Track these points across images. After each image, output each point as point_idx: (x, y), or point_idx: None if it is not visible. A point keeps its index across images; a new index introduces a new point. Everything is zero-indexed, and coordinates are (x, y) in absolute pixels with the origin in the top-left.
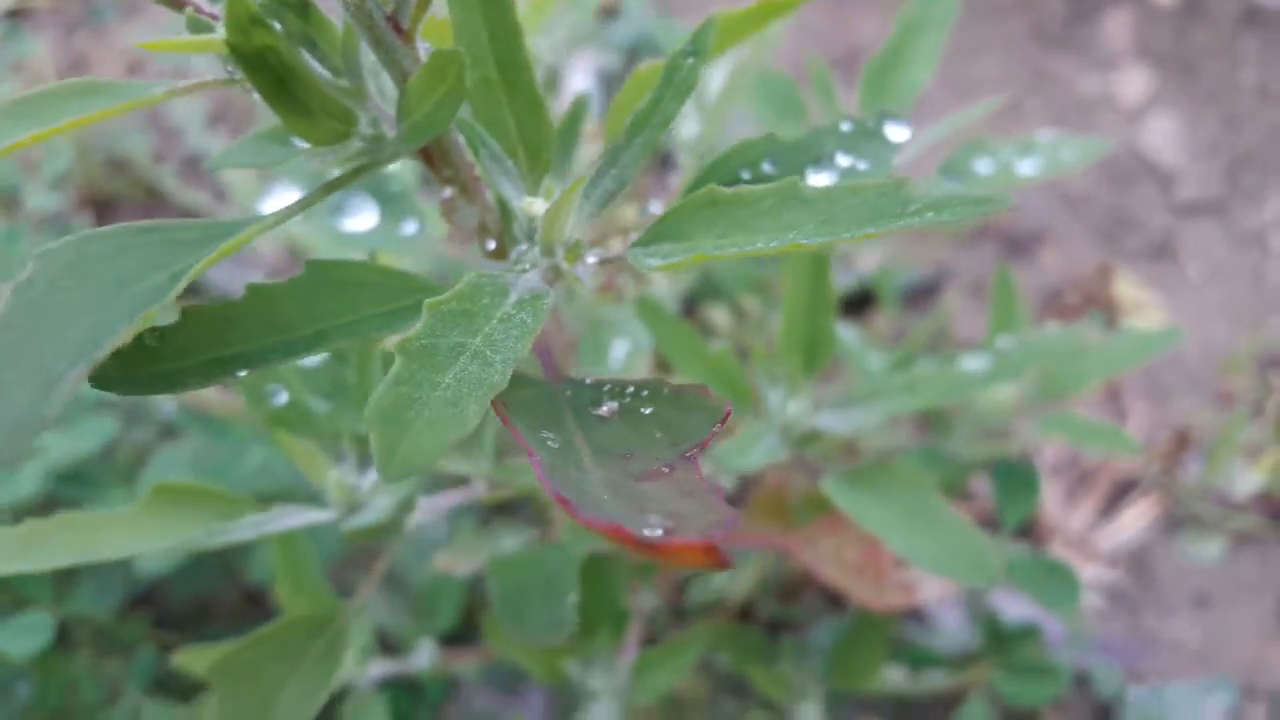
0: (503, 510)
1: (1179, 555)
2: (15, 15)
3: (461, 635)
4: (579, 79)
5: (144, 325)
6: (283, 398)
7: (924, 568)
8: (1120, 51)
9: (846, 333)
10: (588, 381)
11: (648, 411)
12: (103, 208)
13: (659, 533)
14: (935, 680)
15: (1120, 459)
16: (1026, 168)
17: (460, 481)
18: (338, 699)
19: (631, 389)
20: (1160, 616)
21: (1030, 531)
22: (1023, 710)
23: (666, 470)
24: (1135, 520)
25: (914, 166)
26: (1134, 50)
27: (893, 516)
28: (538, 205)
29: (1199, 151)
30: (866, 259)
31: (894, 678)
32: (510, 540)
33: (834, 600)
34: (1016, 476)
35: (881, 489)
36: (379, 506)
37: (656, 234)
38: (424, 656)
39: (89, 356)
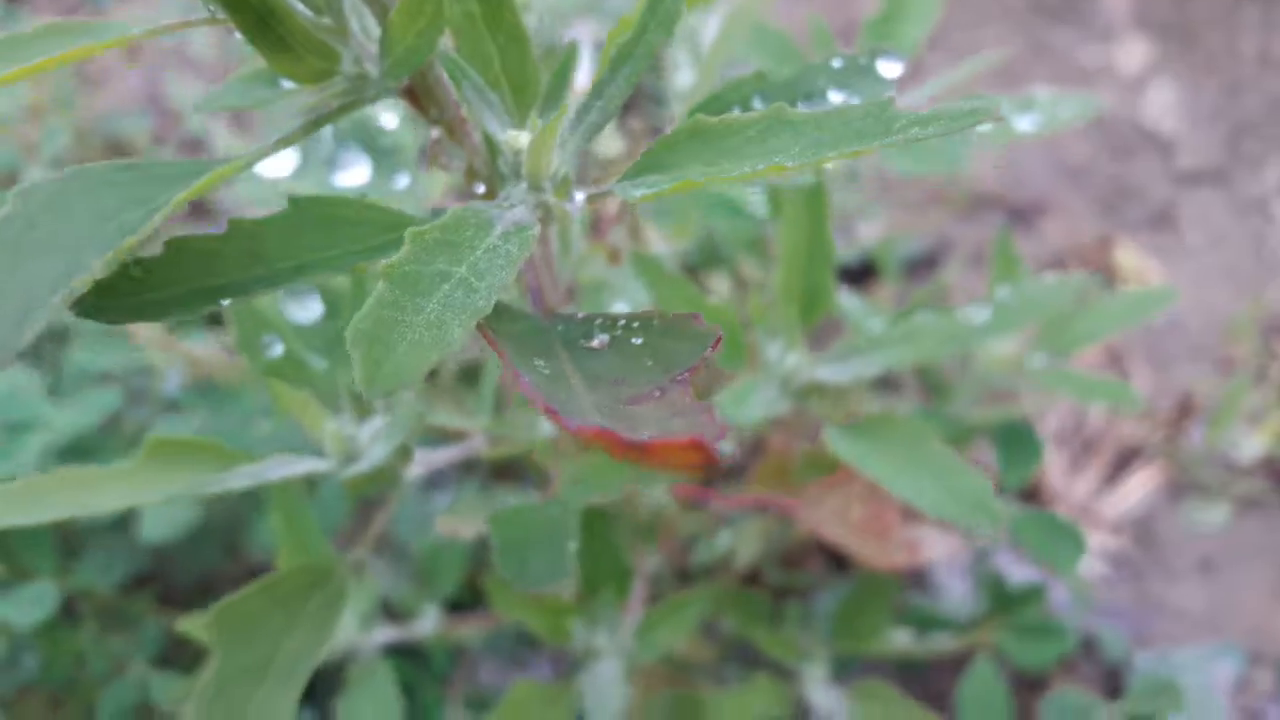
0: (504, 475)
1: (1184, 522)
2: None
3: (466, 603)
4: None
5: (124, 257)
6: (278, 349)
7: (927, 511)
8: (1119, 22)
9: (848, 299)
10: (579, 316)
11: (638, 342)
12: None
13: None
14: (941, 642)
15: (1124, 426)
16: (1025, 124)
17: (459, 437)
18: (342, 663)
19: (623, 321)
20: (1166, 583)
21: (1033, 499)
22: (1031, 674)
23: (658, 394)
24: (1139, 487)
25: None
26: (1133, 20)
27: (895, 463)
28: (522, 138)
29: (1199, 120)
30: (868, 230)
31: (900, 640)
32: (513, 502)
33: (839, 566)
34: (1018, 438)
35: (883, 438)
36: (376, 455)
37: (644, 166)
38: (428, 623)
39: (65, 288)
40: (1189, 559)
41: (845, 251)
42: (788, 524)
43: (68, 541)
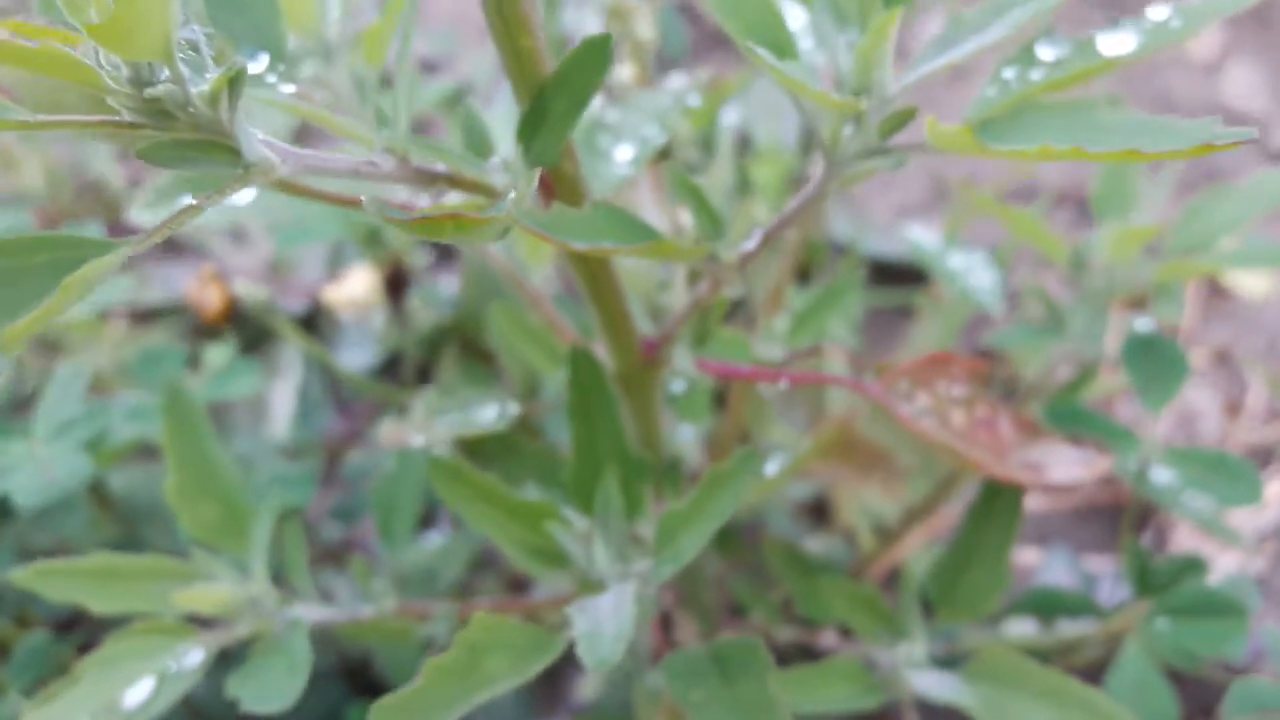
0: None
1: None
2: None
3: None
4: None
5: None
6: None
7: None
8: None
9: None
10: None
11: None
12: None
13: None
14: (1075, 631)
15: (1246, 430)
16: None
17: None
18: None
19: None
20: None
21: (1148, 519)
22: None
23: None
24: (1276, 497)
25: None
26: None
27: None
28: None
29: None
30: (922, 231)
31: (1018, 630)
32: (487, 411)
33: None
34: (1155, 351)
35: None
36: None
37: None
38: (380, 605)
39: None
40: None
41: (895, 249)
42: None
43: None
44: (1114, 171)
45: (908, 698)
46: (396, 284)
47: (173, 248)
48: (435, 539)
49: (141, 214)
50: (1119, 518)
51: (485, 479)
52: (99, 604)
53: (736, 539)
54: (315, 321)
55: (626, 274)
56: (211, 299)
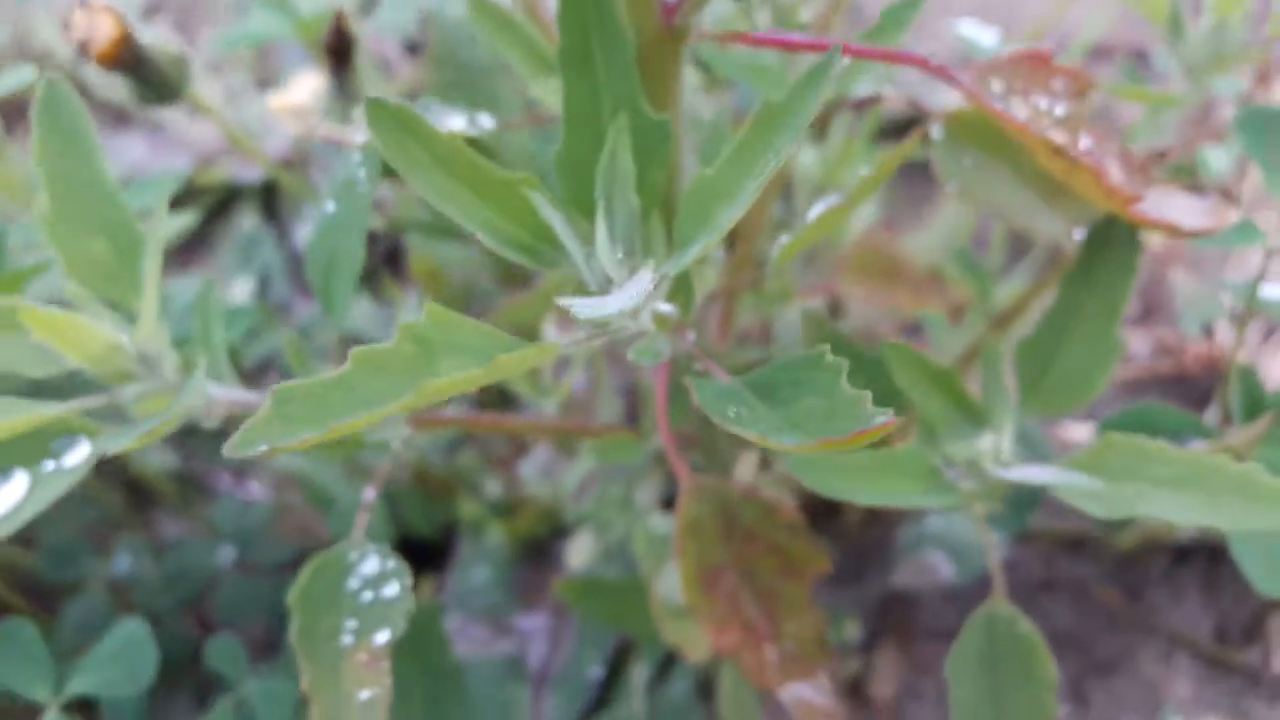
0: None
1: None
2: None
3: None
4: None
5: None
6: None
7: None
8: None
9: None
10: None
11: None
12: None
13: None
14: None
15: None
16: None
17: None
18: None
19: None
20: None
21: (1216, 388)
22: None
23: None
24: None
25: None
26: None
27: None
28: None
29: None
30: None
31: None
32: (455, 118)
33: None
34: (1274, 123)
35: None
36: None
37: None
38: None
39: None
40: None
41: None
42: None
43: None
44: None
45: (982, 511)
46: (340, 54)
47: (122, 119)
48: None
49: None
50: (1182, 391)
51: (445, 136)
52: None
53: None
54: (277, 194)
55: None
56: (101, 29)
